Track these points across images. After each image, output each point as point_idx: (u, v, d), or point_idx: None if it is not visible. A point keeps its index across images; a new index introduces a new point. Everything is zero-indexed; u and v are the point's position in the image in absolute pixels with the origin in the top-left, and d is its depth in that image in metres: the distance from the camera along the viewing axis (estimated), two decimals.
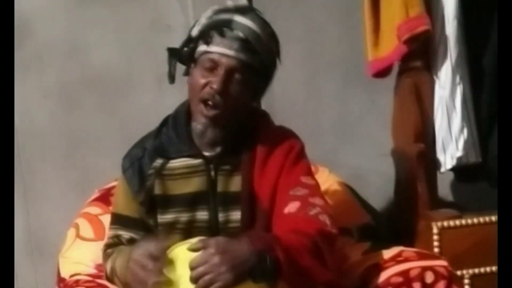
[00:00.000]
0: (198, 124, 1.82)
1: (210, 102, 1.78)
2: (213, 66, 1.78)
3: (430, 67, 2.28)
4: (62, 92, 2.60)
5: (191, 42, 1.83)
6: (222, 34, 1.77)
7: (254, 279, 1.59)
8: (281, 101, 2.64)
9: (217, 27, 1.78)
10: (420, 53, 2.26)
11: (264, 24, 1.84)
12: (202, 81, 1.79)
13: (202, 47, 1.80)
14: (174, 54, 1.85)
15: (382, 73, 2.35)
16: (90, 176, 2.54)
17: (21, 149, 2.54)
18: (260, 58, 1.80)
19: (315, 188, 1.83)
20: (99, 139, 2.61)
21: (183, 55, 1.83)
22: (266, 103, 2.56)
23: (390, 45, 2.26)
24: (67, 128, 2.61)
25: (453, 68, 2.22)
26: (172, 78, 1.85)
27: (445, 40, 2.23)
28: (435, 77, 2.27)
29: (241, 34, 1.77)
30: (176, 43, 1.87)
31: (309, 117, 2.68)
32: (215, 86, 1.77)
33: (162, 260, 1.64)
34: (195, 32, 1.82)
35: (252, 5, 1.94)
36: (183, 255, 1.63)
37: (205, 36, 1.79)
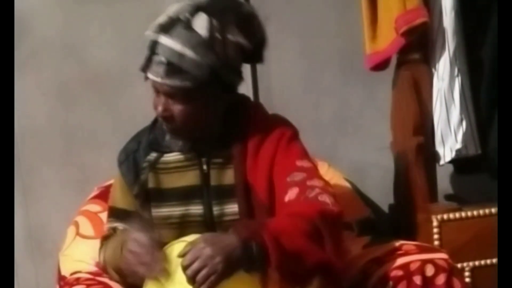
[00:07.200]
0: (168, 134, 1.83)
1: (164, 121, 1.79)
2: (156, 90, 1.77)
3: (428, 60, 2.27)
4: (60, 89, 2.59)
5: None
6: (150, 60, 1.75)
7: (244, 268, 1.57)
8: (280, 95, 2.64)
9: (148, 50, 1.75)
10: (418, 45, 2.26)
11: (193, 35, 1.73)
12: (155, 100, 1.79)
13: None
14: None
15: (380, 66, 2.34)
16: (89, 174, 2.54)
17: (19, 147, 2.53)
18: (190, 76, 1.72)
19: (312, 170, 1.81)
20: (98, 136, 2.61)
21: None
22: (264, 98, 2.57)
23: (388, 38, 2.25)
24: (66, 125, 2.61)
25: (451, 60, 2.21)
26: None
27: (443, 32, 2.22)
28: (433, 69, 2.26)
29: (163, 59, 1.72)
30: None
31: (307, 111, 2.67)
32: (159, 109, 1.77)
33: (157, 250, 1.64)
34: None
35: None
36: (175, 255, 1.62)
37: (145, 59, 1.76)
